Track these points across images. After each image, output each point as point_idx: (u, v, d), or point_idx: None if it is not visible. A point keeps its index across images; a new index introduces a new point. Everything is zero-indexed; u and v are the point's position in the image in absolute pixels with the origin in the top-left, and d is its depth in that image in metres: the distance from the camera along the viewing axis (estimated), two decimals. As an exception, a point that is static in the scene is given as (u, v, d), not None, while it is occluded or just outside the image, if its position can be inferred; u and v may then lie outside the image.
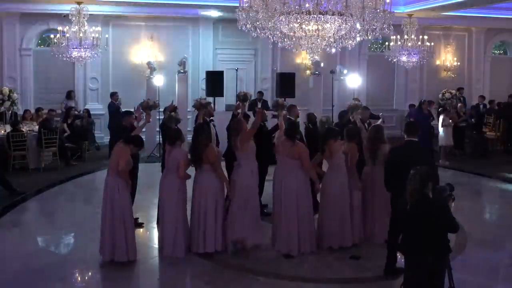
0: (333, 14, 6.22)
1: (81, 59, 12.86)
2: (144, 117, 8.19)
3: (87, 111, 14.70)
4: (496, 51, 19.54)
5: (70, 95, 15.18)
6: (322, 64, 14.93)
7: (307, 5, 6.12)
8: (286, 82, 14.02)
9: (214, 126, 8.48)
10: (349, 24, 6.36)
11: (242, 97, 8.98)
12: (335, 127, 8.32)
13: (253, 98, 13.68)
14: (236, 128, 7.00)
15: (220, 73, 13.96)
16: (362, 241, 7.23)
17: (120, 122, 8.12)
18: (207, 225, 6.77)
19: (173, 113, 8.24)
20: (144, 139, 8.38)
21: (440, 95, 17.35)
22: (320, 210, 7.23)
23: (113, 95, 14.11)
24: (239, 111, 8.56)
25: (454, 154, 14.10)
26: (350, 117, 8.79)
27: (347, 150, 7.18)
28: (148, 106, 8.01)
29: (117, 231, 6.47)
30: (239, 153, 6.97)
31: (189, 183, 6.96)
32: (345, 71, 15.44)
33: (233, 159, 7.30)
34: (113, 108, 13.83)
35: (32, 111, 14.20)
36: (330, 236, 7.06)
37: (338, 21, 6.33)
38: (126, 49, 16.03)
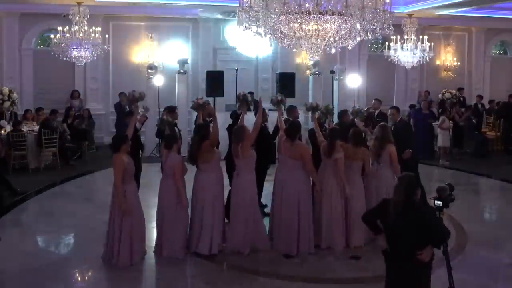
0: (333, 14, 6.20)
1: (81, 59, 12.85)
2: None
3: (88, 111, 14.68)
4: (496, 51, 19.52)
5: (74, 94, 15.19)
6: (319, 62, 14.90)
7: (307, 5, 6.11)
8: (286, 82, 14.00)
9: (214, 126, 8.42)
10: (349, 24, 6.34)
11: (242, 98, 7.75)
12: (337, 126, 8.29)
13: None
14: (237, 135, 6.81)
15: (220, 73, 13.96)
16: (367, 241, 7.07)
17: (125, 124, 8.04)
18: (203, 225, 6.75)
19: (164, 116, 8.11)
20: (143, 140, 8.44)
21: (440, 95, 17.33)
22: (316, 210, 7.20)
23: (120, 95, 14.09)
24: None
25: (452, 154, 14.06)
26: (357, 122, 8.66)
27: (354, 156, 7.07)
28: (134, 99, 7.54)
29: (123, 237, 6.42)
30: (239, 160, 6.85)
31: (189, 184, 6.95)
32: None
33: (233, 164, 7.08)
34: (119, 108, 13.88)
35: (32, 111, 14.19)
36: (326, 237, 7.05)
37: (338, 21, 6.31)
38: (126, 49, 16.02)
